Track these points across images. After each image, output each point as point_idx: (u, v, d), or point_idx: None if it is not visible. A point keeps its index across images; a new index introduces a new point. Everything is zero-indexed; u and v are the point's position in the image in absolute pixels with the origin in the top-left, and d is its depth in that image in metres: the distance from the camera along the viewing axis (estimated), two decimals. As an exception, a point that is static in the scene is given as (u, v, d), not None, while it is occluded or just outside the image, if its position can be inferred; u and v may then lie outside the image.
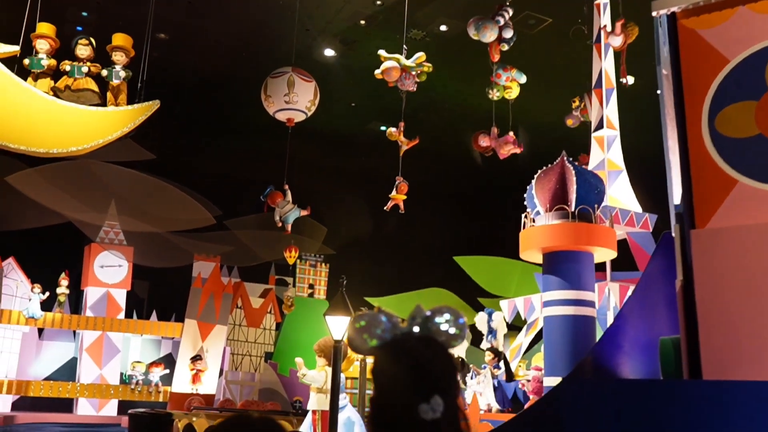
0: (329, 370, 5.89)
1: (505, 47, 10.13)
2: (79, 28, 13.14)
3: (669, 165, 4.47)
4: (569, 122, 12.50)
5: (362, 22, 13.74)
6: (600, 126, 9.70)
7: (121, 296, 14.58)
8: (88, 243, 14.41)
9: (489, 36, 9.77)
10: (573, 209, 7.09)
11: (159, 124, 10.39)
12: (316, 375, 6.67)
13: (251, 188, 16.72)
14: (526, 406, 7.44)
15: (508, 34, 10.00)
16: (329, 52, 14.74)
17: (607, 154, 9.50)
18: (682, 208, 4.00)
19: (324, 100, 13.35)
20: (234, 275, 16.52)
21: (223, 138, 16.28)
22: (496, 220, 19.91)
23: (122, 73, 7.65)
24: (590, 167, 9.22)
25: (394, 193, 11.63)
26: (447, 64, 14.80)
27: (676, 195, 4.35)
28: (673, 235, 4.24)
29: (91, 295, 14.24)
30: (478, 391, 7.78)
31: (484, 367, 8.14)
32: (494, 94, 11.37)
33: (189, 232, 15.63)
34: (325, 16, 13.50)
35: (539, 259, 7.63)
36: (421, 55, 10.21)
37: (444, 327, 1.60)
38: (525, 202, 7.68)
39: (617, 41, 9.22)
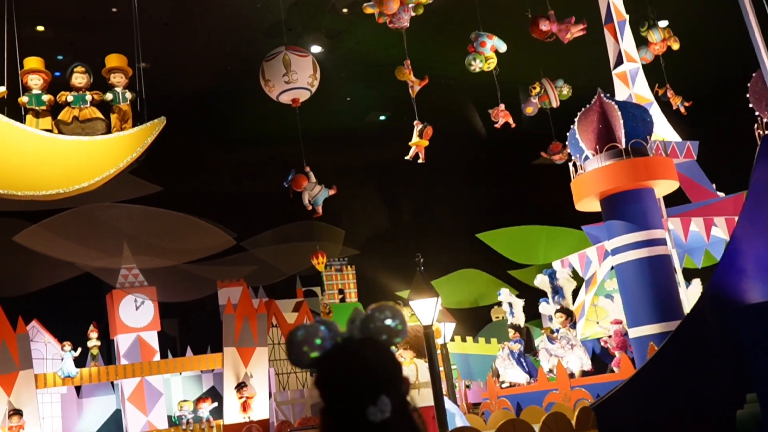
0: (418, 362, 5.43)
1: None
2: (57, 74, 12.68)
3: (764, 64, 4.00)
4: (528, 110, 11.67)
5: (345, 10, 13.23)
6: (620, 62, 9.19)
7: (152, 338, 14.08)
8: (110, 290, 13.91)
9: None
10: (624, 145, 6.59)
11: (160, 154, 9.92)
12: (405, 370, 6.06)
13: (262, 203, 16.24)
14: (612, 365, 6.95)
15: None
16: (316, 49, 14.22)
17: (633, 88, 8.99)
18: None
19: (319, 99, 12.85)
20: (261, 295, 16.06)
21: (226, 155, 15.81)
22: (512, 188, 19.45)
23: (128, 95, 7.20)
24: (618, 105, 8.70)
25: (415, 138, 10.49)
26: (439, 37, 14.31)
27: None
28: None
29: (123, 342, 13.74)
30: (559, 356, 7.27)
31: (557, 331, 7.62)
32: (477, 66, 10.45)
33: (207, 260, 15.16)
34: (307, 12, 13.00)
35: (596, 207, 7.13)
36: None
37: (383, 326, 1.60)
38: (568, 150, 7.19)
39: None
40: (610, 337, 7.24)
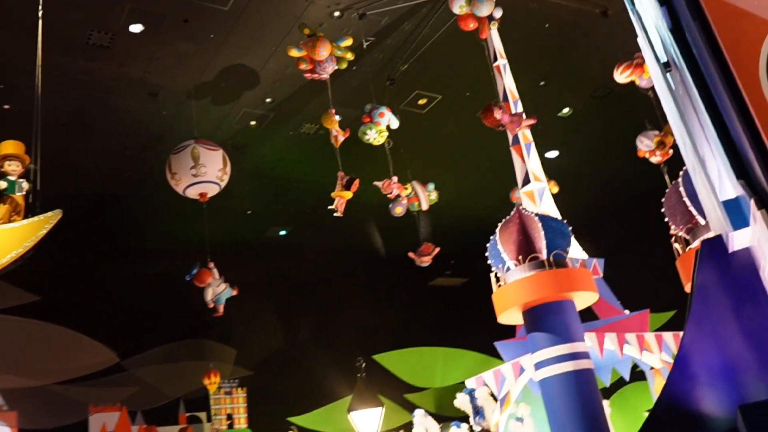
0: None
1: (495, 26, 9.48)
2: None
3: (703, 161, 4.12)
4: (397, 210, 11.69)
5: (252, 123, 13.16)
6: (527, 181, 9.56)
7: (7, 475, 12.17)
8: (-40, 416, 12.06)
9: (484, 10, 9.02)
10: (546, 256, 6.65)
11: (42, 259, 9.03)
12: None
13: (152, 319, 15.08)
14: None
15: (498, 13, 9.34)
16: (220, 159, 13.93)
17: (540, 206, 9.30)
18: (750, 192, 3.57)
19: (218, 210, 12.44)
20: (138, 421, 14.57)
21: (117, 265, 14.75)
22: (411, 308, 19.35)
23: (25, 185, 6.59)
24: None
25: (338, 189, 9.63)
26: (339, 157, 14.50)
27: (725, 191, 4.00)
28: (745, 227, 3.80)
29: (-31, 480, 11.76)
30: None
31: (478, 456, 7.21)
32: (371, 136, 10.01)
33: (81, 381, 13.69)
34: (214, 122, 12.79)
35: (518, 319, 7.03)
36: (347, 40, 9.20)
37: None
38: (489, 261, 7.16)
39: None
40: (535, 459, 6.92)
